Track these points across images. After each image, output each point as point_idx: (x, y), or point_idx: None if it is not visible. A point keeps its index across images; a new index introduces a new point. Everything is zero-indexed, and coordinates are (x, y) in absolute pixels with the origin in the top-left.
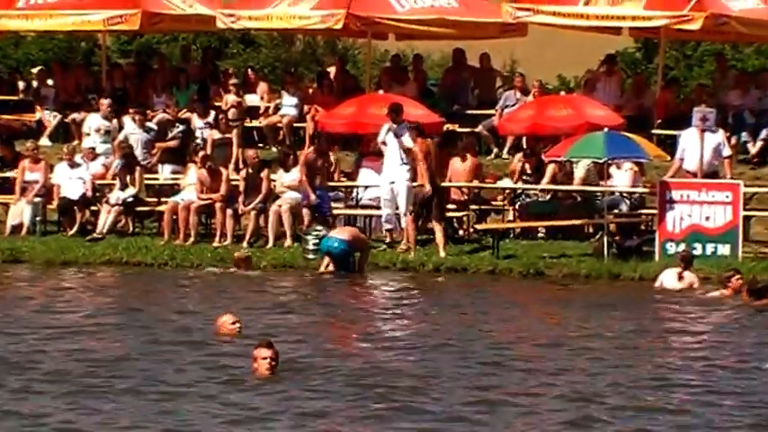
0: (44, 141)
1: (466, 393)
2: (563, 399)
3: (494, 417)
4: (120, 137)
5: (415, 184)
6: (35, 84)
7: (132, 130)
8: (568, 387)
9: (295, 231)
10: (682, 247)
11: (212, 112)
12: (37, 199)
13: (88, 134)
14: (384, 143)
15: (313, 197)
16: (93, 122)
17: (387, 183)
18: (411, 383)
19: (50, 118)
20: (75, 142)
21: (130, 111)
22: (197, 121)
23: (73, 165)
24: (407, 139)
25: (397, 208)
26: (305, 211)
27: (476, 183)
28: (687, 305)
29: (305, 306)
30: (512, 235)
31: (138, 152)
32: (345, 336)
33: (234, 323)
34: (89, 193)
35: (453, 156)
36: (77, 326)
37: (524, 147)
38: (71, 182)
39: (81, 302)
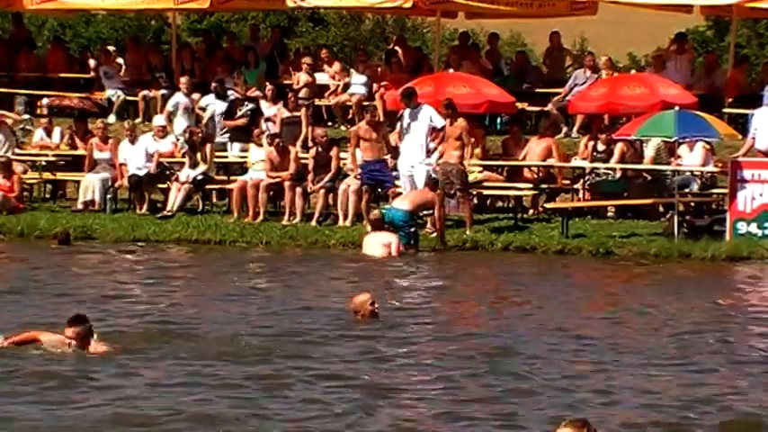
0: (111, 119)
1: None
2: None
3: None
4: (206, 117)
5: (439, 161)
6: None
7: (211, 101)
8: None
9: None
10: (753, 226)
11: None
12: (106, 175)
13: (172, 111)
14: (404, 131)
15: (357, 171)
16: (176, 99)
17: (406, 170)
18: None
19: (113, 97)
20: (138, 120)
21: (213, 84)
22: (264, 105)
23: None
24: (437, 118)
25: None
26: (364, 188)
27: (550, 161)
28: None
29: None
30: (581, 214)
31: (217, 121)
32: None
33: (372, 303)
34: (152, 171)
35: (524, 136)
36: None
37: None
38: (140, 159)
39: None
